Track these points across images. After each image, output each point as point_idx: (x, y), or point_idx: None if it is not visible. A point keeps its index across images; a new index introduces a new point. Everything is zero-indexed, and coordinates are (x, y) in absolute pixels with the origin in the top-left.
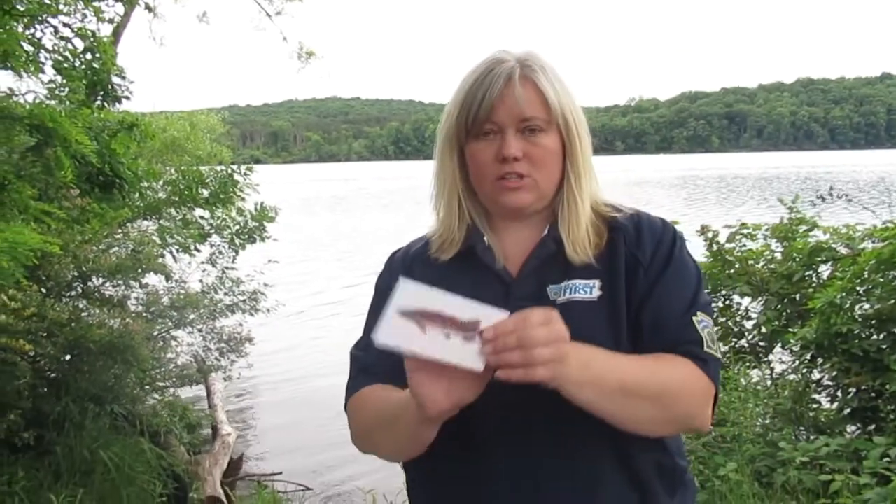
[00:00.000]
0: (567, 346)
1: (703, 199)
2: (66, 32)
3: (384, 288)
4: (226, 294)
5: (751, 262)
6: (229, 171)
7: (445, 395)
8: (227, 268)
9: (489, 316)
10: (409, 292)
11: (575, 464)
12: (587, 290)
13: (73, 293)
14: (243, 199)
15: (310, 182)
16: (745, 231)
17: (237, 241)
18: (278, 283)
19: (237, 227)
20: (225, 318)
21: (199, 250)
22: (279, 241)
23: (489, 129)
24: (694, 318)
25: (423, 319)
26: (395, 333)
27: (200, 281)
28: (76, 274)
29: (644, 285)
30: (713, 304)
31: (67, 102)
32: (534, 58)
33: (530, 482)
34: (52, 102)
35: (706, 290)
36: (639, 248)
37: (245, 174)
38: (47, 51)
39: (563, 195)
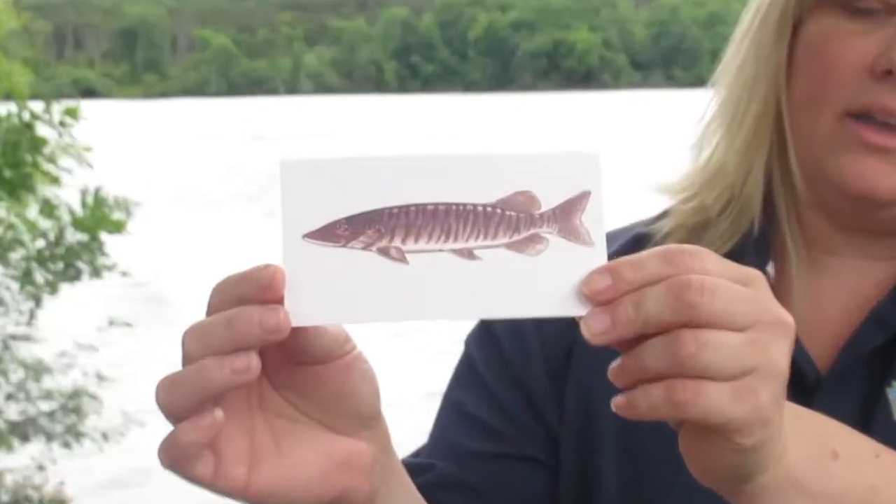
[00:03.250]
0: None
1: None
2: None
3: (484, 353)
4: (11, 398)
5: None
6: (27, 116)
7: (250, 465)
8: (14, 337)
9: (533, 174)
10: (302, 178)
11: None
12: None
13: None
14: (57, 180)
15: (211, 141)
16: None
17: (42, 277)
18: (129, 376)
19: (42, 244)
20: (5, 451)
21: None
22: (133, 275)
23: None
24: None
25: (379, 231)
26: (322, 291)
27: None
28: None
29: None
30: None
31: None
32: None
33: None
34: None
35: None
36: None
37: (63, 125)
38: None
39: None
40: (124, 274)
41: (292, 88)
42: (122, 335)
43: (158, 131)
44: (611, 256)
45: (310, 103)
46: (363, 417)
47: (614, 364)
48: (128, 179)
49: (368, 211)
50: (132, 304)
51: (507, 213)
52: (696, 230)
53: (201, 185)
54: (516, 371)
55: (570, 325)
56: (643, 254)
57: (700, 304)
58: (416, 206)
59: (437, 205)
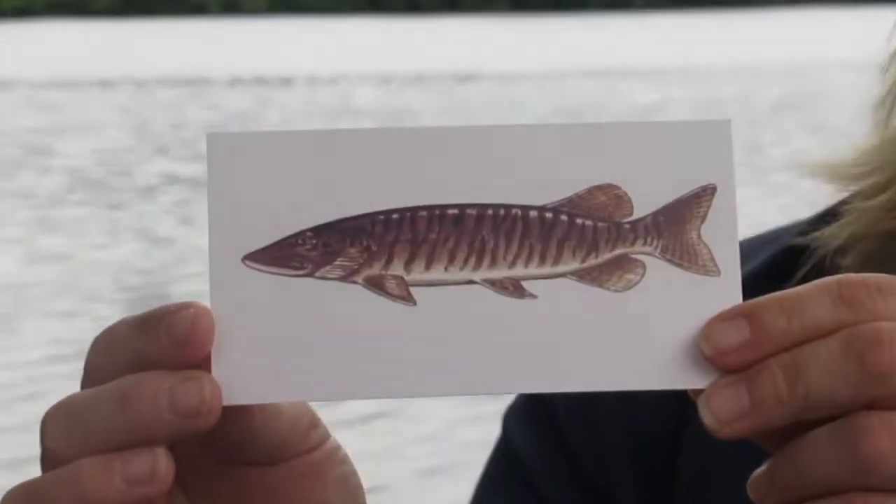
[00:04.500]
0: None
1: None
2: None
3: (535, 439)
4: None
5: None
6: None
7: None
8: None
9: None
10: (241, 162)
11: None
12: None
13: None
14: None
15: (91, 91)
16: None
17: None
18: None
19: None
20: None
21: None
22: None
23: None
24: None
25: (369, 250)
26: (274, 348)
27: None
28: None
29: None
30: None
31: None
32: None
33: None
34: None
35: None
36: None
37: None
38: None
39: None
40: None
41: (230, 5)
42: None
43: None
44: (745, 286)
45: (259, 30)
46: None
47: (758, 473)
48: None
49: (350, 217)
50: None
51: (579, 220)
52: (888, 242)
53: (85, 166)
54: (587, 468)
55: (677, 398)
56: (803, 289)
57: None
58: (429, 209)
59: (462, 207)
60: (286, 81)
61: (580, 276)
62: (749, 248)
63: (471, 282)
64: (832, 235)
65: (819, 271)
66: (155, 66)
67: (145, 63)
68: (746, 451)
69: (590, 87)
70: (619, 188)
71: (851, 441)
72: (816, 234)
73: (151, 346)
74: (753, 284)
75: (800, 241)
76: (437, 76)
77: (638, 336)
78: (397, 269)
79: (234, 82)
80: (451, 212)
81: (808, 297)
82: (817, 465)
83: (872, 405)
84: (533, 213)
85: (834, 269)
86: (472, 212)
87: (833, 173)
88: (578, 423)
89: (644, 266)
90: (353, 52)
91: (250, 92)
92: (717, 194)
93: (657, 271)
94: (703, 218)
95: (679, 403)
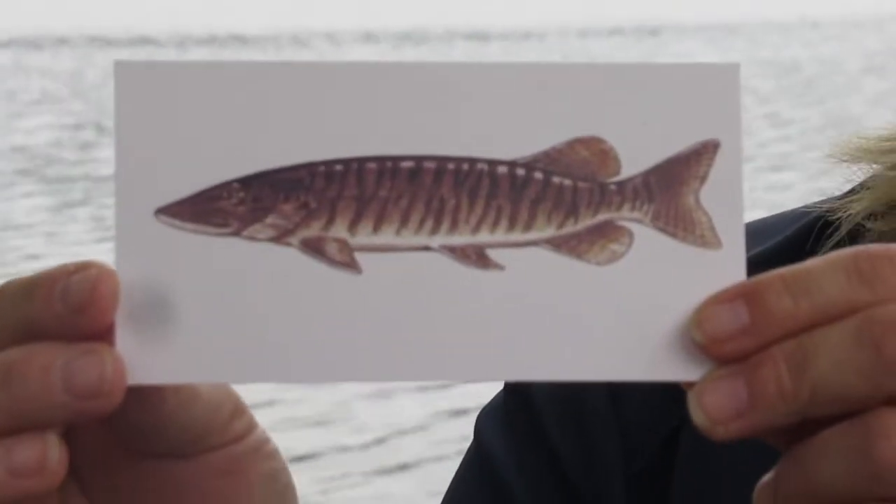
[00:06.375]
0: None
1: None
2: None
3: (513, 444)
4: None
5: None
6: None
7: None
8: None
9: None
10: (155, 98)
11: None
12: None
13: None
14: None
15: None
16: None
17: None
18: None
19: None
20: None
21: None
22: None
23: None
24: None
25: (306, 207)
26: (190, 317)
27: None
28: None
29: None
30: None
31: None
32: None
33: None
34: None
35: None
36: None
37: None
38: None
39: None
40: None
41: None
42: None
43: None
44: (759, 264)
45: None
46: None
47: (764, 481)
48: None
49: (285, 168)
50: None
51: (556, 179)
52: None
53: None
54: (571, 476)
55: (674, 392)
56: (813, 263)
57: None
58: (379, 160)
59: (419, 160)
60: (241, 40)
61: (556, 244)
62: (774, 224)
63: (427, 248)
64: (859, 206)
65: (852, 240)
66: (82, 23)
67: (72, 20)
68: (752, 456)
69: (630, 48)
70: (604, 142)
71: (866, 444)
72: (842, 202)
73: (43, 314)
74: (776, 260)
75: (825, 211)
76: (435, 34)
77: (621, 318)
78: (340, 230)
79: (182, 42)
80: (405, 164)
81: (819, 273)
82: (826, 472)
83: (891, 401)
84: (502, 169)
85: (866, 236)
86: (431, 165)
87: (860, 151)
88: (561, 422)
89: (631, 235)
90: (329, 2)
91: (200, 53)
92: (721, 151)
93: (647, 242)
94: (703, 179)
95: (677, 400)
